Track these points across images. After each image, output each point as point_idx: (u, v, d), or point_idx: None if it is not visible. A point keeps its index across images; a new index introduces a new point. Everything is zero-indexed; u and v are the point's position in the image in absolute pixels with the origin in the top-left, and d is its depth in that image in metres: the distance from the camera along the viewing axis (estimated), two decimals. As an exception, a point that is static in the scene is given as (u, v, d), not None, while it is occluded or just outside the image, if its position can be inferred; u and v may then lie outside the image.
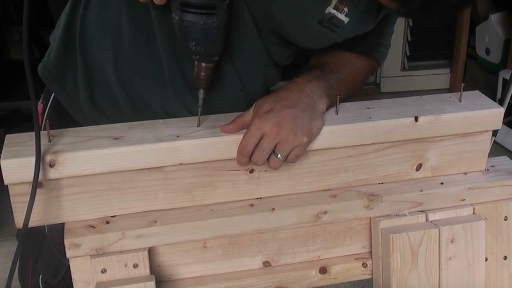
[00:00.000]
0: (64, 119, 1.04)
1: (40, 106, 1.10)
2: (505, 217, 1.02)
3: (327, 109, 0.96)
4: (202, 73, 0.90)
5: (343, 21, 0.93)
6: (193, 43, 0.87)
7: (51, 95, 1.09)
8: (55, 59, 1.06)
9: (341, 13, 0.92)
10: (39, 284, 1.16)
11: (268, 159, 0.90)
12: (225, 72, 0.98)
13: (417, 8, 0.79)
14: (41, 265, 1.14)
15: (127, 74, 1.00)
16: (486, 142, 1.03)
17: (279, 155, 0.89)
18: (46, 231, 1.04)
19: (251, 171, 0.94)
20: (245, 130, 0.90)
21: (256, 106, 0.91)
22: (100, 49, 1.01)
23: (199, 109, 0.91)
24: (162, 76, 0.99)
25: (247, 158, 0.90)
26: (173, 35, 0.89)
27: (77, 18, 1.02)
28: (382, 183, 1.00)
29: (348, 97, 1.02)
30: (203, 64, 0.90)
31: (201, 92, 0.91)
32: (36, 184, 0.82)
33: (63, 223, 0.90)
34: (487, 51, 3.08)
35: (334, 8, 0.91)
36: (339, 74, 1.00)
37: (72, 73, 1.05)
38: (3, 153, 0.84)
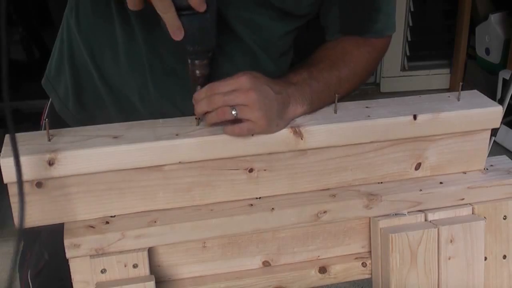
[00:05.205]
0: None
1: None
2: (504, 216, 1.02)
3: (305, 114, 0.95)
4: (197, 71, 0.90)
5: None
6: (191, 44, 0.87)
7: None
8: (54, 68, 1.10)
9: None
10: (28, 275, 1.16)
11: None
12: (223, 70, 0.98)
13: None
14: (29, 255, 1.15)
15: (106, 66, 1.03)
16: (485, 141, 1.03)
17: (234, 112, 0.86)
18: None
19: (251, 170, 0.94)
20: None
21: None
22: (81, 44, 1.04)
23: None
24: (139, 64, 1.00)
25: (207, 97, 0.87)
26: (150, 24, 0.88)
27: (68, 23, 1.06)
28: (381, 183, 1.01)
29: (347, 93, 1.01)
30: (197, 62, 0.90)
31: (199, 89, 0.90)
32: (22, 190, 0.79)
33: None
34: (487, 51, 3.09)
35: None
36: (330, 74, 0.98)
37: (64, 78, 1.08)
38: (2, 152, 0.84)
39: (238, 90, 0.86)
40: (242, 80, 0.87)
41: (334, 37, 1.05)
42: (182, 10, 0.83)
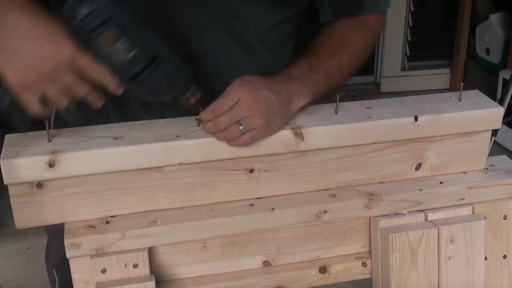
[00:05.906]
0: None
1: None
2: (505, 216, 1.02)
3: (308, 105, 0.95)
4: (191, 100, 0.89)
5: None
6: (166, 94, 0.86)
7: None
8: None
9: None
10: (52, 266, 1.18)
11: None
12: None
13: None
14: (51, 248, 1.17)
15: None
16: (485, 141, 1.03)
17: (241, 127, 0.87)
18: None
19: (251, 170, 0.94)
20: None
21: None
22: None
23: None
24: None
25: (213, 121, 0.87)
26: None
27: None
28: (381, 183, 1.01)
29: (346, 79, 1.01)
30: (185, 96, 0.89)
31: (202, 109, 0.89)
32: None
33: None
34: (487, 51, 3.08)
35: None
36: (331, 64, 0.98)
37: None
38: (2, 153, 0.84)
39: (240, 103, 0.86)
40: (240, 92, 0.87)
41: (328, 19, 1.04)
42: (139, 75, 0.82)
